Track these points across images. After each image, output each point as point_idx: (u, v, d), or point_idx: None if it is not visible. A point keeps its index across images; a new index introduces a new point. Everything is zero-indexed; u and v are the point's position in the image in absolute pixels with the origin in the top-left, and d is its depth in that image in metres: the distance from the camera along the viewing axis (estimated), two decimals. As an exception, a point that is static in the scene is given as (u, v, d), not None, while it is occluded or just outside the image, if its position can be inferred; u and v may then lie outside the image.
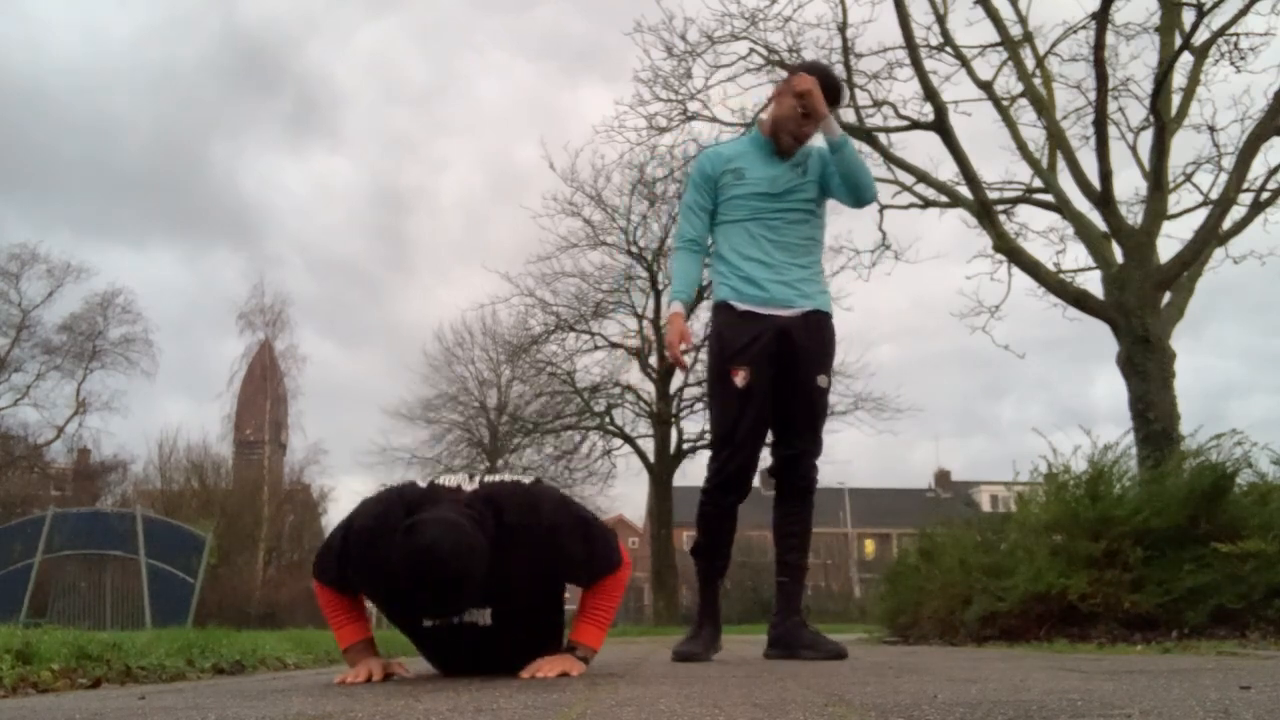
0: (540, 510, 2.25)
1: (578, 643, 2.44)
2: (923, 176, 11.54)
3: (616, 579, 2.43)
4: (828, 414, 3.46)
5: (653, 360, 23.64)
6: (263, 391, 32.36)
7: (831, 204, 3.56)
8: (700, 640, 3.33)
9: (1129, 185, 19.43)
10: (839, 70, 11.42)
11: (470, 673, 2.58)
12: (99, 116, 49.71)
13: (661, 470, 23.63)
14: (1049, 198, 10.95)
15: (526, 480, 2.37)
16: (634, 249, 23.10)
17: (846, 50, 11.19)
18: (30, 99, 43.79)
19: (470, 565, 2.00)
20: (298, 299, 52.85)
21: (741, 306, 3.31)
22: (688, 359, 3.39)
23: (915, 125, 11.26)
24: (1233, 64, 10.12)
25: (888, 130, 11.57)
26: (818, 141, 3.42)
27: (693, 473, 25.78)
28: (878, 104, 11.59)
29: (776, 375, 3.29)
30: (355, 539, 2.24)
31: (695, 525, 3.47)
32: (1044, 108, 10.87)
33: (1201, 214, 10.22)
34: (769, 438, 3.42)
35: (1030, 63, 11.01)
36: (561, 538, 2.26)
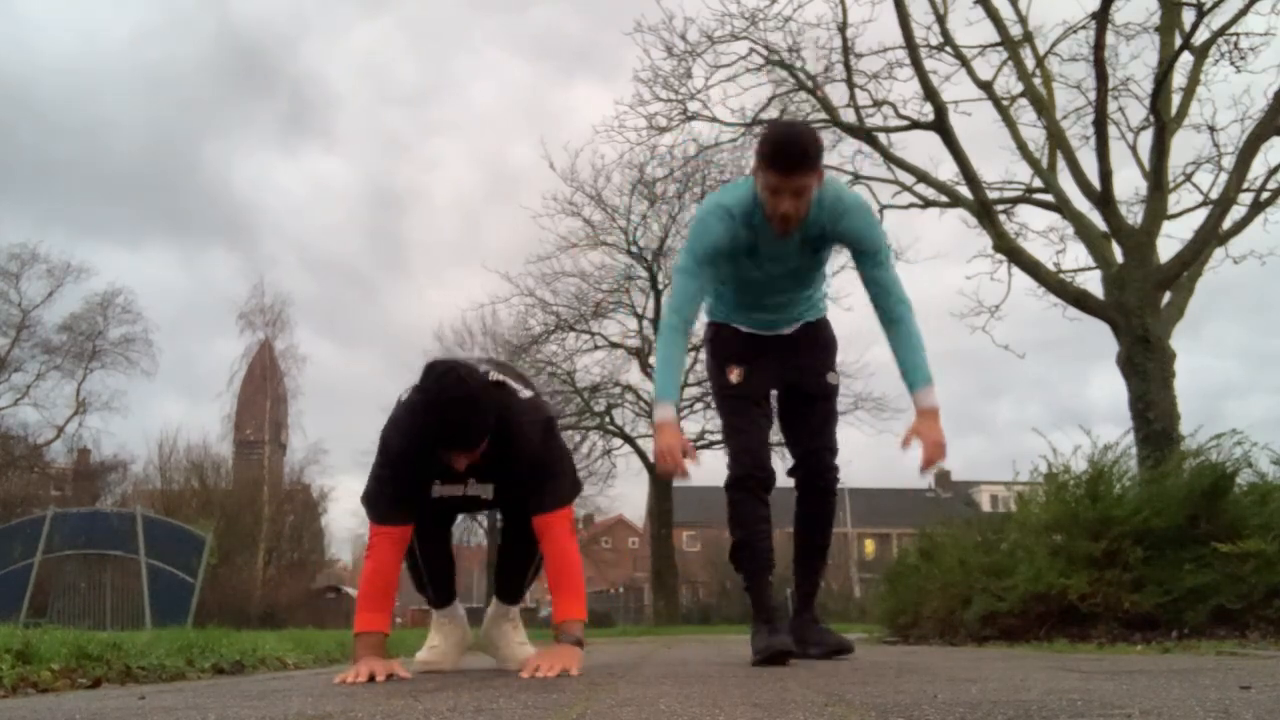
0: (538, 417, 2.63)
1: (566, 620, 2.51)
2: (923, 176, 11.55)
3: (569, 536, 2.62)
4: (839, 415, 3.43)
5: (653, 360, 23.63)
6: (263, 391, 32.35)
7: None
8: (782, 634, 3.11)
9: (1129, 185, 19.41)
10: (838, 70, 11.43)
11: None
12: (94, 118, 49.81)
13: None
14: (1049, 198, 10.95)
15: (527, 393, 2.67)
16: (634, 249, 23.10)
17: (846, 50, 11.19)
18: (25, 100, 43.85)
19: (480, 393, 2.38)
20: (295, 299, 52.94)
21: (742, 329, 3.30)
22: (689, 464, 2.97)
23: (915, 125, 11.26)
24: (1233, 64, 10.14)
25: (888, 130, 11.58)
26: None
27: (693, 472, 25.71)
28: (878, 104, 11.59)
29: (784, 378, 3.29)
30: (393, 423, 2.56)
31: (729, 527, 3.31)
32: (1044, 108, 10.87)
33: (1201, 214, 10.24)
34: (783, 441, 3.41)
35: (1030, 63, 11.01)
36: (543, 447, 2.61)
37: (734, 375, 3.26)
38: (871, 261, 3.01)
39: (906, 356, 2.99)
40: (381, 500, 2.58)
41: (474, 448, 2.42)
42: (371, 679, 2.32)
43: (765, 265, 3.05)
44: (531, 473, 2.59)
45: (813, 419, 3.32)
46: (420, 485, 2.61)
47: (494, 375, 2.56)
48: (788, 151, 2.76)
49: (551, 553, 2.58)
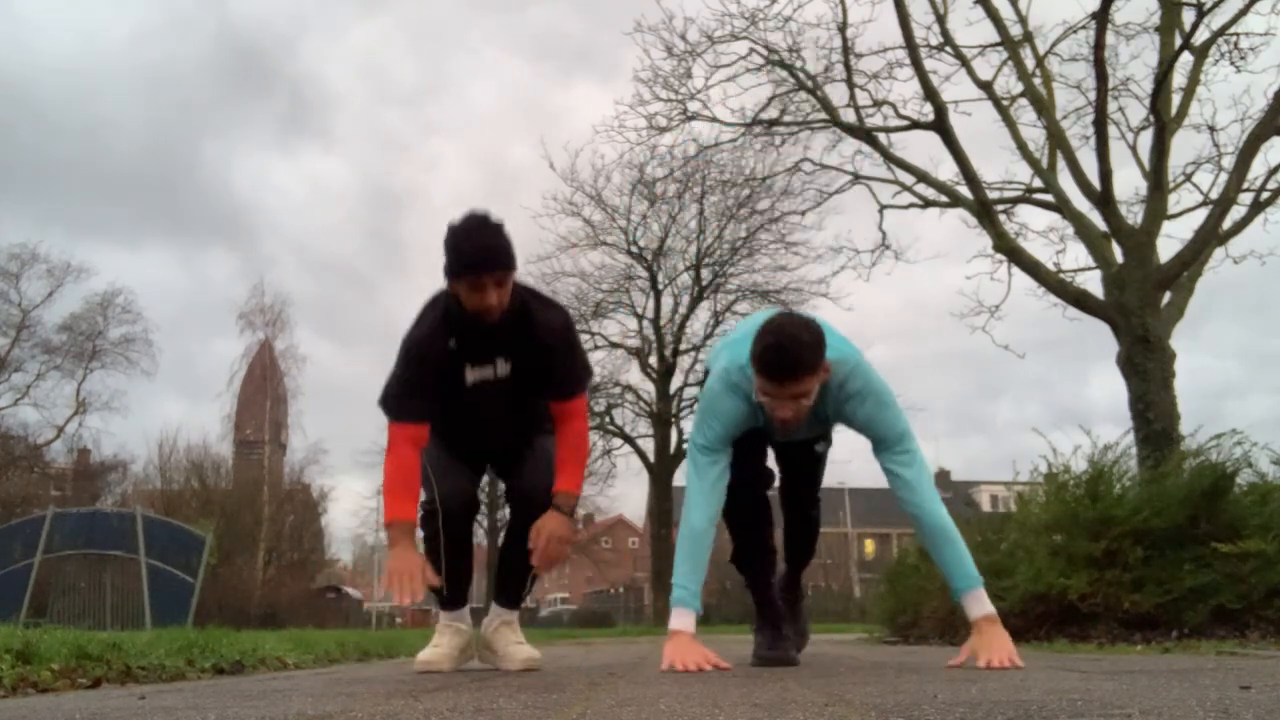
0: (558, 308, 2.85)
1: (563, 491, 2.78)
2: (923, 176, 11.54)
3: (583, 420, 2.90)
4: (824, 473, 3.41)
5: (653, 360, 23.64)
6: (263, 391, 32.36)
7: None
8: (785, 643, 3.13)
9: (1129, 185, 19.40)
10: (838, 70, 11.42)
11: (493, 435, 2.91)
12: (94, 117, 49.87)
13: (661, 470, 23.61)
14: (1049, 198, 10.94)
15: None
16: (634, 249, 23.09)
17: (846, 50, 11.18)
18: (25, 100, 43.88)
19: (502, 229, 2.59)
20: (295, 299, 52.95)
21: None
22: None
23: (915, 125, 11.25)
24: (1233, 64, 10.13)
25: (888, 130, 11.57)
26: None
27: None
28: (878, 104, 11.58)
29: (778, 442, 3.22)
30: (412, 323, 2.71)
31: (730, 529, 3.24)
32: (1044, 108, 10.87)
33: (1201, 214, 10.23)
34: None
35: (1030, 63, 11.00)
36: (564, 334, 2.80)
37: None
38: (885, 449, 2.72)
39: (943, 558, 2.65)
40: (399, 395, 2.71)
41: (505, 267, 2.57)
42: (412, 583, 2.59)
43: (773, 433, 2.95)
44: (554, 354, 2.76)
45: (800, 479, 3.36)
46: (440, 381, 2.70)
47: None
48: (778, 362, 2.51)
49: (567, 433, 2.85)
